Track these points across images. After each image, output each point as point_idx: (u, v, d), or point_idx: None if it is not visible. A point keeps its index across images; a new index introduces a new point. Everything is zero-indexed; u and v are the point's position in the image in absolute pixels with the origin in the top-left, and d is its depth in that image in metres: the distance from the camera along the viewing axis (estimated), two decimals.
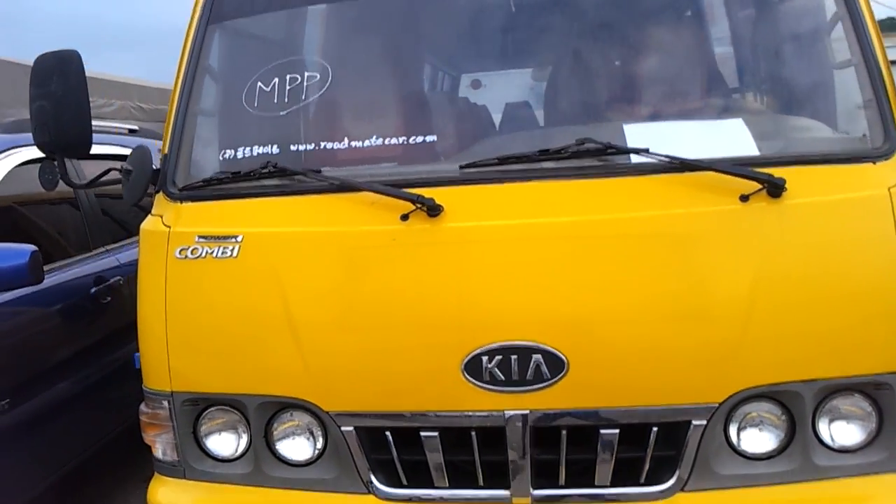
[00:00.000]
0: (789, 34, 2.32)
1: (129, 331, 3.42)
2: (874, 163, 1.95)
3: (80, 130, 2.08)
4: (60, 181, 2.16)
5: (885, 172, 1.93)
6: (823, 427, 1.92)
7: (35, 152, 3.26)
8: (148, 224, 2.18)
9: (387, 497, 1.99)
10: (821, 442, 1.92)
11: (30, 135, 3.25)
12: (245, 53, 2.46)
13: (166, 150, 2.22)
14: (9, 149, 3.20)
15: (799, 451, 1.91)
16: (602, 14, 2.29)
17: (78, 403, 3.15)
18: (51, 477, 3.00)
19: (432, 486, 1.98)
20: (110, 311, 3.43)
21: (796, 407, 1.90)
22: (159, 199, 2.21)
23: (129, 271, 3.57)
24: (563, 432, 1.90)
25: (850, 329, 1.87)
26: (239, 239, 2.03)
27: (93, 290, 3.31)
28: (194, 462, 2.12)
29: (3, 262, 2.62)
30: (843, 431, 1.92)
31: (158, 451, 2.17)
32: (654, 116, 2.22)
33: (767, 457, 1.93)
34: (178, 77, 2.31)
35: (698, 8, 2.44)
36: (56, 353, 3.05)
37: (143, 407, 2.19)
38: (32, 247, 2.70)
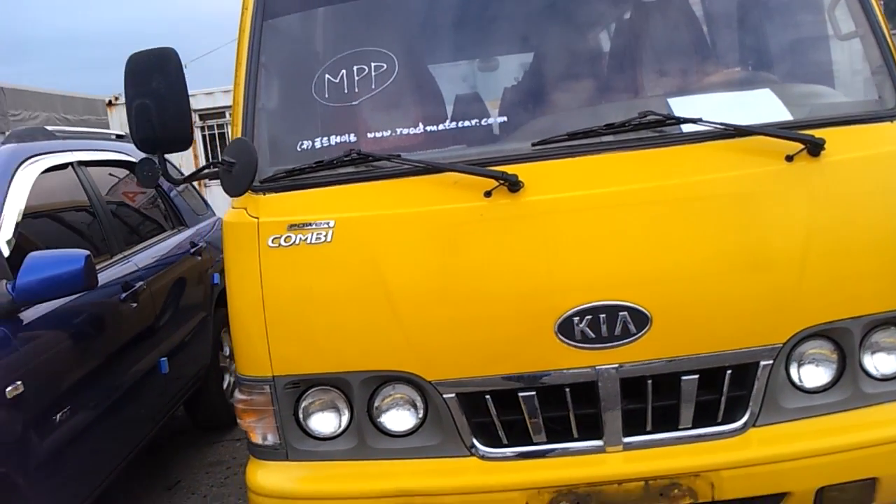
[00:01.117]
0: (800, 9, 2.58)
1: (153, 336, 3.49)
2: (892, 121, 2.22)
3: (183, 126, 2.14)
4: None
5: None
6: (868, 360, 2.17)
7: (55, 160, 3.28)
8: (232, 217, 2.26)
9: (490, 457, 2.14)
10: (866, 373, 2.17)
11: (47, 142, 3.30)
12: (304, 47, 2.55)
13: None
14: (32, 156, 3.18)
15: (850, 382, 2.16)
16: (643, 21, 2.52)
17: (116, 409, 3.16)
18: (102, 484, 3.02)
19: (531, 443, 2.14)
20: (137, 317, 3.45)
21: (846, 343, 2.14)
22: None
23: (149, 275, 3.61)
24: (650, 382, 2.09)
25: (888, 269, 2.13)
26: (331, 224, 2.13)
27: (122, 296, 3.32)
28: (296, 443, 2.22)
29: (60, 268, 2.63)
30: (884, 362, 2.17)
31: (258, 436, 2.25)
32: (691, 90, 2.43)
33: (824, 389, 2.16)
34: (238, 75, 2.39)
35: None
36: (95, 361, 3.06)
37: (238, 395, 2.27)
38: (85, 251, 2.72)
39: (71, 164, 3.51)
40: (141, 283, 3.52)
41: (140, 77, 2.11)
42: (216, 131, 13.61)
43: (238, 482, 3.89)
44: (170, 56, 2.12)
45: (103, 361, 3.09)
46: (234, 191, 2.16)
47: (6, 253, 2.72)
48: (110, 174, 4.00)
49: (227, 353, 4.75)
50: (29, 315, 2.68)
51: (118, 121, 13.30)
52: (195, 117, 13.40)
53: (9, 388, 2.41)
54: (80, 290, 2.73)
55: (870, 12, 2.33)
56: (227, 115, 13.78)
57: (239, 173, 2.12)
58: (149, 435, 3.53)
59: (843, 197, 2.12)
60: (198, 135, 13.28)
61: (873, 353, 2.17)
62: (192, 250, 4.38)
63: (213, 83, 15.87)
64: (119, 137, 4.52)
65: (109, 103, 13.35)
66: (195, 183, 4.49)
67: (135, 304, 3.41)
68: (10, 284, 2.60)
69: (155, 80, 2.09)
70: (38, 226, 3.08)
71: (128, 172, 4.18)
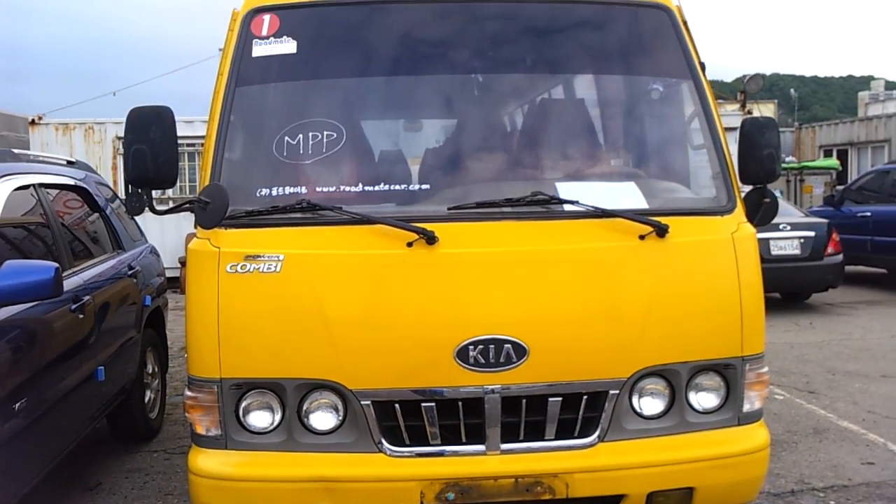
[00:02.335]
0: (664, 123, 3.29)
1: (94, 346, 3.86)
2: (722, 216, 2.91)
3: (171, 169, 2.62)
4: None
5: (729, 223, 2.89)
6: (692, 396, 2.81)
7: (21, 180, 3.67)
8: (197, 245, 2.73)
9: (394, 454, 2.65)
10: (690, 406, 2.81)
11: (15, 164, 3.68)
12: (268, 111, 3.07)
13: (207, 184, 2.78)
14: (4, 175, 3.56)
15: (677, 412, 2.79)
16: (545, 117, 3.20)
17: (62, 405, 3.51)
18: (47, 468, 3.37)
19: (428, 444, 2.66)
20: (82, 327, 3.81)
21: (676, 381, 2.78)
22: (200, 227, 2.76)
23: (94, 290, 3.99)
24: (524, 401, 2.67)
25: (709, 328, 2.80)
26: (281, 258, 2.64)
27: (72, 306, 3.69)
28: (235, 435, 2.67)
29: (31, 276, 3.02)
30: (704, 399, 2.82)
31: (202, 428, 2.69)
32: (574, 178, 3.07)
33: (657, 416, 2.78)
34: (210, 128, 2.89)
35: (603, 105, 3.36)
36: (48, 360, 3.42)
37: (188, 392, 2.72)
38: (55, 264, 3.12)
39: (33, 185, 3.89)
40: (88, 296, 3.89)
41: (140, 127, 2.59)
42: None
43: (157, 487, 4.23)
44: (166, 113, 2.62)
45: (53, 362, 3.45)
46: (206, 225, 2.65)
47: None
48: (63, 197, 4.35)
49: (150, 371, 5.09)
50: None
51: (39, 140, 13.32)
52: (119, 145, 13.53)
53: None
54: (48, 297, 3.11)
55: (713, 130, 3.04)
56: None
57: (212, 211, 2.61)
58: (83, 433, 3.87)
59: (679, 270, 2.79)
60: (119, 162, 13.42)
61: (696, 391, 2.82)
62: (130, 272, 4.75)
63: None
64: (71, 164, 4.89)
65: (32, 122, 13.35)
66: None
67: (82, 316, 3.78)
68: None
69: (152, 131, 2.58)
70: (4, 236, 3.43)
71: (77, 196, 4.55)
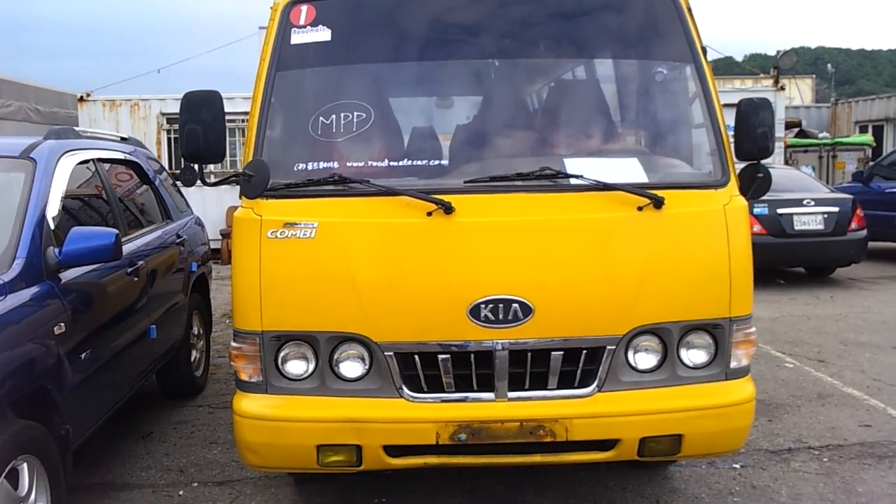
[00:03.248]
0: (666, 104, 3.55)
1: (146, 307, 4.27)
2: (716, 189, 3.18)
3: (220, 146, 2.98)
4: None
5: (722, 195, 3.15)
6: (683, 352, 3.10)
7: (83, 155, 4.07)
8: (241, 214, 3.09)
9: (412, 399, 2.99)
10: (682, 362, 3.10)
11: (76, 140, 4.08)
12: (305, 94, 3.41)
13: (250, 160, 3.13)
14: (68, 151, 3.95)
15: (669, 367, 3.09)
16: (555, 98, 3.49)
17: (119, 358, 3.93)
18: (107, 414, 3.80)
19: (443, 391, 3.00)
20: (136, 289, 4.22)
21: (668, 339, 3.07)
22: (244, 197, 3.12)
23: (146, 256, 4.39)
24: (529, 354, 2.99)
25: (699, 291, 3.08)
26: (315, 225, 2.99)
27: (128, 270, 4.10)
28: (274, 381, 3.04)
29: (96, 241, 3.41)
30: (694, 355, 3.11)
31: (245, 375, 3.07)
32: (582, 154, 3.36)
33: (650, 370, 3.08)
34: (253, 109, 3.23)
35: (610, 87, 3.63)
36: (107, 318, 3.83)
37: (233, 343, 3.09)
38: (115, 230, 3.51)
39: (92, 159, 4.29)
40: (141, 261, 4.29)
41: (193, 108, 2.95)
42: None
43: (202, 437, 4.66)
44: (216, 96, 2.98)
45: (112, 319, 3.86)
46: (250, 195, 3.00)
47: (52, 226, 3.48)
48: (118, 170, 4.75)
49: (196, 333, 5.51)
50: (66, 275, 3.45)
51: (87, 117, 13.85)
52: (163, 120, 14.05)
53: (56, 327, 3.19)
54: (109, 260, 3.50)
55: (712, 110, 3.30)
56: None
57: (255, 183, 2.96)
58: (137, 385, 4.30)
59: (673, 238, 3.07)
60: (164, 137, 13.95)
61: (687, 348, 3.11)
62: (178, 241, 5.16)
63: (183, 88, 16.54)
64: (123, 140, 5.29)
65: (81, 99, 13.88)
66: (178, 184, 5.33)
67: (136, 279, 4.19)
68: (58, 250, 3.37)
69: (204, 112, 2.94)
70: (70, 206, 3.83)
71: (130, 169, 4.96)
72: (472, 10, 3.42)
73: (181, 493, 3.88)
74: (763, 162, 3.29)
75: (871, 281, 10.02)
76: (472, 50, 3.47)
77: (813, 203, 9.50)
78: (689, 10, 3.44)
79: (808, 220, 9.44)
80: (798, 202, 9.45)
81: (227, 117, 11.91)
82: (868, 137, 17.09)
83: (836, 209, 9.55)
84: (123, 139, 5.31)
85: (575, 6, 3.47)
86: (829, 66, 44.03)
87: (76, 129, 4.52)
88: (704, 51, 3.42)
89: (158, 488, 3.94)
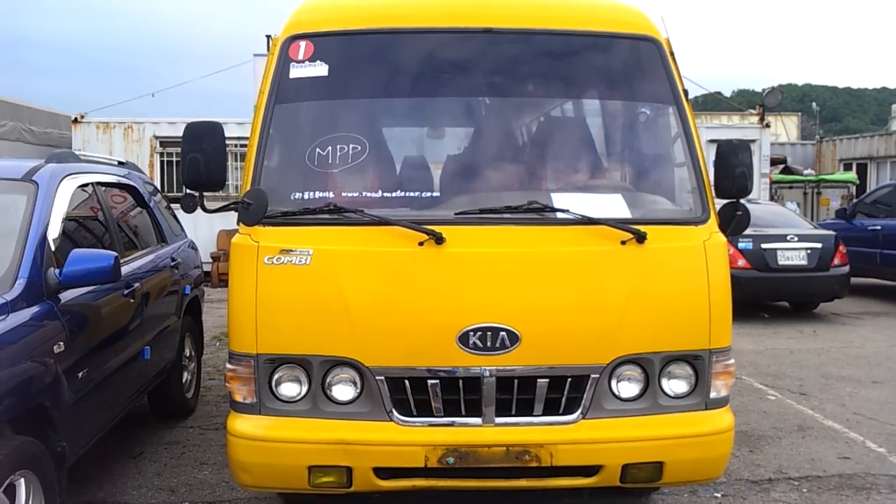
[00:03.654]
0: (649, 143, 3.70)
1: (141, 328, 4.34)
2: (696, 225, 3.32)
3: (220, 175, 3.09)
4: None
5: (702, 232, 3.29)
6: (665, 382, 3.22)
7: (83, 179, 4.17)
8: (239, 240, 3.19)
9: (402, 423, 3.08)
10: (663, 391, 3.21)
11: (76, 164, 4.18)
12: (302, 126, 3.53)
13: (248, 189, 3.24)
14: (69, 174, 4.05)
15: (650, 396, 3.20)
16: (544, 136, 3.64)
17: (115, 377, 4.00)
18: (101, 432, 3.86)
19: (432, 415, 3.10)
20: (132, 310, 4.30)
21: (650, 369, 3.18)
22: (242, 224, 3.22)
23: (142, 278, 4.47)
24: (516, 381, 3.09)
25: (680, 323, 3.20)
26: (310, 253, 3.09)
27: (125, 291, 4.18)
28: (268, 402, 3.12)
29: (95, 263, 3.50)
30: (675, 385, 3.22)
31: (240, 396, 3.15)
32: (568, 189, 3.49)
33: (633, 399, 3.19)
34: (252, 139, 3.35)
35: (596, 125, 3.79)
36: (103, 338, 3.90)
37: (228, 364, 3.18)
38: (113, 253, 3.60)
39: (91, 183, 4.39)
40: (137, 283, 4.38)
41: (195, 139, 3.06)
42: (174, 159, 14.33)
43: (193, 458, 4.71)
44: (217, 127, 3.10)
45: (108, 340, 3.94)
46: (248, 223, 3.11)
47: (53, 248, 3.57)
48: (115, 193, 4.85)
49: (188, 355, 5.58)
50: (65, 296, 3.53)
51: (81, 138, 13.95)
52: (156, 143, 14.16)
53: (55, 346, 3.27)
54: (108, 282, 3.59)
55: (692, 150, 3.44)
56: None
57: (254, 211, 3.07)
58: (130, 405, 4.36)
59: (655, 272, 3.20)
60: (156, 160, 14.05)
61: (668, 378, 3.22)
62: (172, 263, 5.25)
63: (177, 112, 16.69)
64: (121, 164, 5.40)
65: (75, 121, 13.99)
66: (172, 207, 5.43)
67: (132, 300, 4.27)
68: (58, 271, 3.45)
69: (205, 143, 3.05)
70: (69, 228, 3.92)
71: (127, 193, 5.05)
72: (464, 49, 3.56)
73: None
74: (750, 196, 3.43)
75: (853, 316, 10.19)
76: (463, 87, 3.62)
77: (797, 239, 9.68)
78: (672, 54, 3.60)
79: (792, 255, 9.62)
80: (782, 237, 9.63)
81: None
82: (852, 175, 17.40)
83: (819, 245, 9.73)
84: (121, 163, 5.42)
85: (562, 48, 3.62)
86: (813, 104, 44.78)
87: (76, 152, 4.62)
88: (686, 93, 3.58)
89: None
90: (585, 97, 3.81)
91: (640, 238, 3.14)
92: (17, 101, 13.95)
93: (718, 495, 4.19)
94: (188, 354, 5.59)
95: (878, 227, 11.29)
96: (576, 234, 3.20)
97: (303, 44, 3.47)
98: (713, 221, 3.35)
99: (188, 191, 3.12)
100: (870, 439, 5.15)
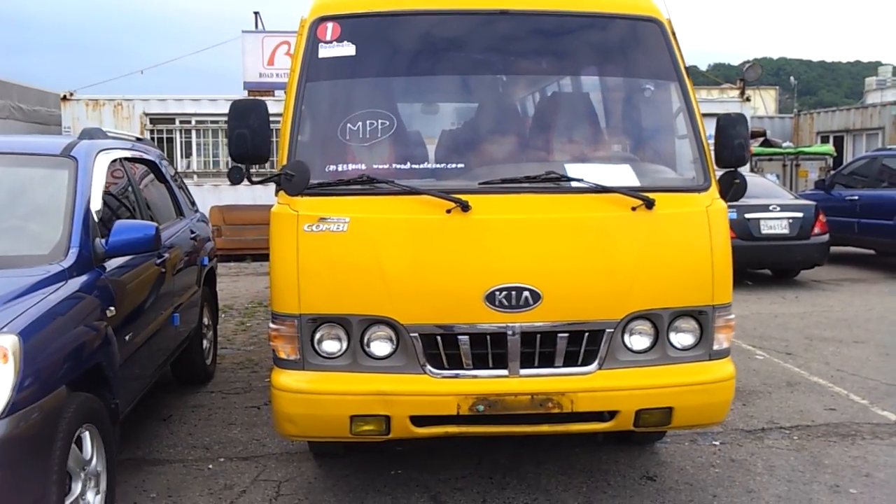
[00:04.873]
0: (654, 117, 3.97)
1: (171, 296, 4.58)
2: (699, 192, 3.60)
3: (265, 149, 3.32)
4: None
5: (705, 198, 3.57)
6: (672, 336, 3.51)
7: (114, 154, 4.37)
8: (279, 209, 3.42)
9: (434, 375, 3.35)
10: (671, 344, 3.51)
11: (104, 140, 4.37)
12: (333, 102, 3.75)
13: (285, 163, 3.47)
14: (102, 150, 4.25)
15: (660, 348, 3.49)
16: (557, 111, 3.90)
17: (152, 341, 4.24)
18: (143, 391, 4.11)
19: (462, 368, 3.37)
20: (163, 279, 4.53)
21: (659, 323, 3.47)
22: (282, 194, 3.45)
23: (170, 248, 4.69)
24: (538, 336, 3.37)
25: (686, 281, 3.49)
26: (347, 220, 3.33)
27: (157, 261, 4.40)
28: (310, 359, 3.37)
29: (138, 233, 3.72)
30: (682, 338, 3.51)
31: (283, 353, 3.39)
32: (580, 160, 3.75)
33: (644, 351, 3.48)
34: (285, 116, 3.57)
35: (604, 101, 4.04)
36: (142, 303, 4.14)
37: (272, 325, 3.42)
38: (154, 223, 3.82)
39: (120, 158, 4.58)
40: (167, 254, 4.60)
41: (241, 115, 3.29)
42: (164, 136, 14.43)
43: (220, 419, 4.97)
44: (262, 105, 3.32)
45: (147, 306, 4.17)
46: (291, 193, 3.34)
47: (97, 219, 3.78)
48: (139, 169, 5.04)
49: (206, 323, 5.81)
50: (109, 265, 3.75)
51: (71, 115, 14.00)
52: (146, 121, 14.22)
53: (107, 310, 3.50)
54: (149, 251, 3.81)
55: (694, 123, 3.71)
56: (177, 121, 14.69)
57: (296, 182, 3.30)
58: (162, 369, 4.60)
59: (663, 235, 3.48)
60: (147, 137, 14.10)
61: (676, 332, 3.51)
62: (192, 236, 5.46)
63: (167, 89, 16.71)
64: (138, 140, 5.58)
65: (64, 98, 14.01)
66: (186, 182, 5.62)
67: (163, 270, 4.50)
68: (104, 241, 3.67)
69: (251, 119, 3.28)
70: (106, 201, 4.12)
71: (148, 168, 5.25)
72: (481, 29, 3.79)
73: (210, 466, 4.20)
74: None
75: (833, 283, 10.60)
76: (481, 65, 3.86)
77: (779, 209, 10.04)
78: (674, 33, 3.86)
79: (775, 224, 9.98)
80: (765, 208, 9.98)
81: (210, 118, 12.58)
82: (829, 147, 17.82)
83: (800, 215, 10.10)
84: (138, 139, 5.60)
85: (572, 29, 3.86)
86: (791, 78, 45.29)
87: (102, 129, 4.80)
88: (687, 70, 3.85)
89: (188, 463, 4.25)
90: (594, 74, 4.07)
91: (649, 204, 3.41)
92: (5, 80, 13.93)
93: (717, 443, 4.53)
94: (206, 323, 5.82)
95: (856, 198, 11.69)
96: (589, 201, 3.46)
97: (330, 25, 3.68)
98: (714, 189, 3.63)
99: (234, 164, 3.34)
100: (853, 392, 5.51)
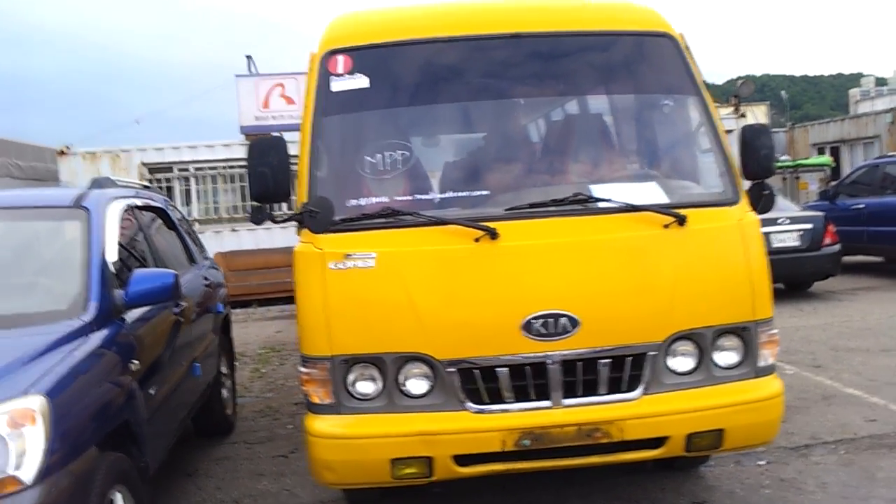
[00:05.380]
0: (676, 132, 3.89)
1: (191, 346, 4.45)
2: (730, 206, 3.50)
3: (286, 186, 3.23)
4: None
5: (736, 212, 3.47)
6: (716, 355, 3.38)
7: (125, 203, 4.27)
8: (302, 248, 3.31)
9: (476, 411, 3.22)
10: (715, 364, 3.38)
11: (115, 190, 4.27)
12: (349, 135, 3.67)
13: (305, 200, 3.37)
14: (114, 198, 4.16)
15: (704, 369, 3.36)
16: (578, 132, 3.81)
17: (175, 394, 4.10)
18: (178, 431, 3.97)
19: (503, 402, 3.23)
20: (182, 329, 4.40)
21: (703, 343, 3.35)
22: (305, 232, 3.35)
23: (186, 296, 4.57)
24: (579, 364, 3.24)
25: (726, 297, 3.38)
26: (374, 255, 3.23)
27: (175, 310, 4.28)
28: (345, 401, 3.24)
29: (157, 282, 3.61)
30: (726, 357, 3.39)
31: (317, 398, 3.26)
32: (605, 180, 3.66)
33: (688, 373, 3.35)
34: (303, 152, 3.47)
35: (624, 119, 3.96)
36: (163, 355, 4.00)
37: (302, 368, 3.29)
38: (174, 271, 3.71)
39: (131, 206, 4.48)
40: (184, 303, 4.48)
41: (261, 153, 3.21)
42: (163, 184, 14.37)
43: (248, 470, 4.80)
44: (282, 141, 3.25)
45: (168, 358, 4.03)
46: (316, 230, 3.24)
47: (113, 270, 3.67)
48: (149, 217, 4.94)
49: (224, 372, 5.66)
50: (128, 316, 3.63)
51: (67, 169, 13.96)
52: (144, 171, 14.17)
53: (131, 364, 3.37)
54: (168, 300, 3.69)
55: (717, 137, 3.63)
56: (175, 169, 14.65)
57: (321, 219, 3.21)
58: (185, 422, 4.45)
59: (698, 252, 3.38)
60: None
61: (720, 351, 3.39)
62: (206, 283, 5.35)
63: (161, 138, 16.70)
64: (146, 188, 5.49)
65: (61, 153, 13.98)
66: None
67: (182, 320, 4.37)
68: (123, 292, 3.55)
69: (271, 157, 3.20)
70: (120, 250, 4.01)
71: (158, 216, 5.15)
72: (494, 54, 3.73)
73: None
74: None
75: (848, 292, 10.49)
76: (497, 90, 3.79)
77: (788, 221, 9.97)
78: (688, 47, 3.80)
79: (785, 237, 9.90)
80: (773, 221, 9.90)
81: (208, 164, 12.56)
82: (827, 158, 17.86)
83: (810, 226, 10.02)
84: (146, 187, 5.51)
85: (586, 48, 3.80)
86: (782, 92, 45.69)
87: (111, 178, 4.71)
88: (706, 84, 3.78)
89: None
90: (612, 93, 4.00)
91: (681, 221, 3.31)
92: (2, 138, 13.92)
93: (762, 462, 4.38)
94: (224, 372, 5.67)
95: (862, 206, 11.64)
96: (619, 221, 3.36)
97: (341, 58, 3.61)
98: (744, 202, 3.54)
99: (255, 204, 3.25)
100: (892, 402, 5.38)
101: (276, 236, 14.31)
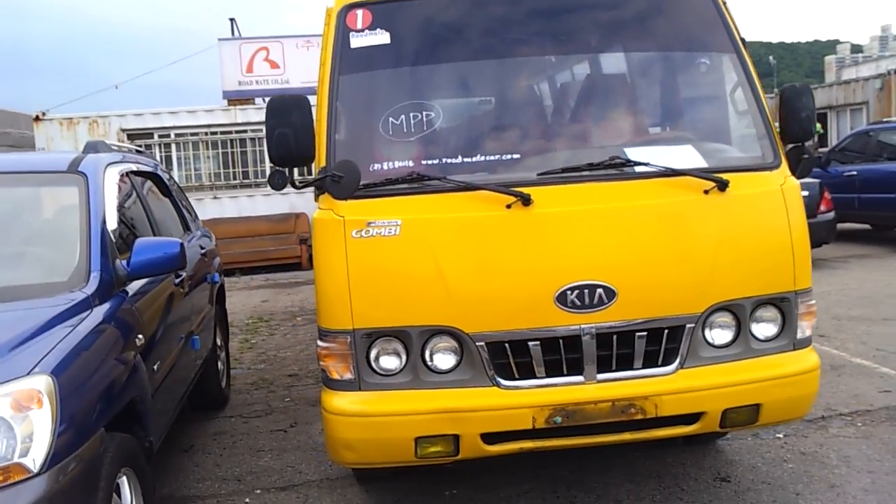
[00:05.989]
0: (713, 92, 3.69)
1: (190, 317, 4.23)
2: (771, 171, 3.34)
3: (310, 149, 2.99)
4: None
5: (777, 176, 3.31)
6: (755, 326, 3.23)
7: (122, 168, 4.01)
8: (322, 216, 3.10)
9: (506, 387, 3.05)
10: (753, 336, 3.23)
11: (109, 154, 4.01)
12: (369, 95, 3.43)
13: (323, 164, 3.15)
14: (111, 163, 3.89)
15: (743, 341, 3.21)
16: (611, 92, 3.61)
17: (176, 368, 3.89)
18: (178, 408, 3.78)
19: (535, 377, 3.07)
20: (183, 300, 4.17)
21: (741, 315, 3.20)
22: (324, 198, 3.13)
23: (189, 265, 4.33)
24: (615, 336, 3.08)
25: (766, 267, 3.22)
26: (399, 223, 3.02)
27: (175, 280, 4.05)
28: (367, 377, 3.05)
29: (162, 251, 3.37)
30: (765, 329, 3.25)
31: (336, 374, 3.07)
32: (641, 143, 3.47)
33: (726, 345, 3.21)
34: (320, 113, 3.25)
35: (661, 78, 3.75)
36: (164, 327, 3.78)
37: (321, 342, 3.10)
38: (179, 240, 3.47)
39: (127, 172, 4.22)
40: (183, 273, 4.24)
41: (282, 112, 2.96)
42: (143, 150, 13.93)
43: (246, 446, 4.62)
44: (304, 100, 3.00)
45: (169, 331, 3.81)
46: (340, 196, 3.02)
47: (113, 239, 3.43)
48: (145, 183, 4.68)
49: (218, 343, 5.44)
50: (131, 287, 3.40)
51: (44, 136, 13.49)
52: (123, 137, 13.74)
53: (136, 339, 3.15)
54: (175, 270, 3.47)
55: (757, 97, 3.45)
56: (156, 135, 14.22)
57: (346, 184, 2.99)
58: (185, 397, 4.25)
59: (739, 219, 3.21)
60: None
61: (758, 322, 3.24)
62: (202, 252, 5.10)
63: (141, 105, 16.19)
64: (139, 152, 5.21)
65: (37, 118, 13.49)
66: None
67: (182, 290, 4.15)
68: (126, 262, 3.32)
69: (293, 116, 2.95)
70: (121, 217, 3.76)
71: (153, 182, 4.88)
72: (523, 6, 3.50)
73: (247, 500, 3.86)
74: None
75: (841, 260, 10.46)
76: (526, 45, 3.55)
77: None
78: (725, 3, 3.59)
79: None
80: None
81: (190, 130, 12.19)
82: (816, 125, 17.77)
83: (805, 193, 9.79)
84: (139, 151, 5.23)
85: (621, 3, 3.58)
86: (770, 58, 45.64)
87: (106, 142, 4.43)
88: (744, 42, 3.58)
89: (222, 498, 3.91)
90: (647, 50, 3.77)
91: (723, 186, 3.14)
92: None
93: (781, 436, 4.28)
94: (219, 344, 5.46)
95: (855, 173, 11.58)
96: (657, 186, 3.18)
97: (360, 12, 3.37)
98: (785, 166, 3.37)
99: (276, 167, 3.02)
100: None
101: (259, 204, 14.03)
